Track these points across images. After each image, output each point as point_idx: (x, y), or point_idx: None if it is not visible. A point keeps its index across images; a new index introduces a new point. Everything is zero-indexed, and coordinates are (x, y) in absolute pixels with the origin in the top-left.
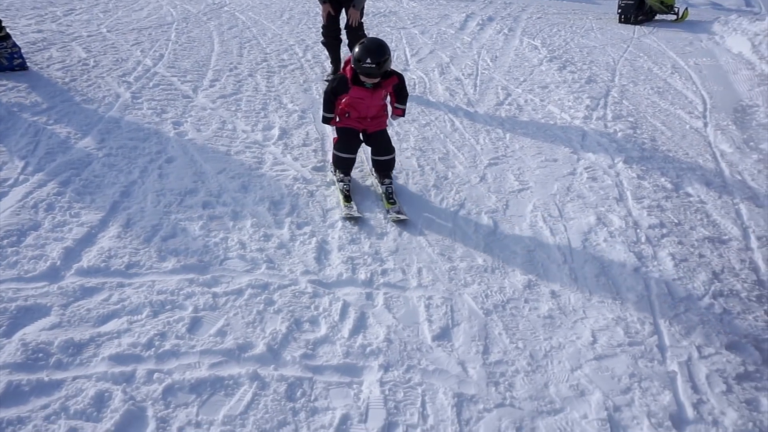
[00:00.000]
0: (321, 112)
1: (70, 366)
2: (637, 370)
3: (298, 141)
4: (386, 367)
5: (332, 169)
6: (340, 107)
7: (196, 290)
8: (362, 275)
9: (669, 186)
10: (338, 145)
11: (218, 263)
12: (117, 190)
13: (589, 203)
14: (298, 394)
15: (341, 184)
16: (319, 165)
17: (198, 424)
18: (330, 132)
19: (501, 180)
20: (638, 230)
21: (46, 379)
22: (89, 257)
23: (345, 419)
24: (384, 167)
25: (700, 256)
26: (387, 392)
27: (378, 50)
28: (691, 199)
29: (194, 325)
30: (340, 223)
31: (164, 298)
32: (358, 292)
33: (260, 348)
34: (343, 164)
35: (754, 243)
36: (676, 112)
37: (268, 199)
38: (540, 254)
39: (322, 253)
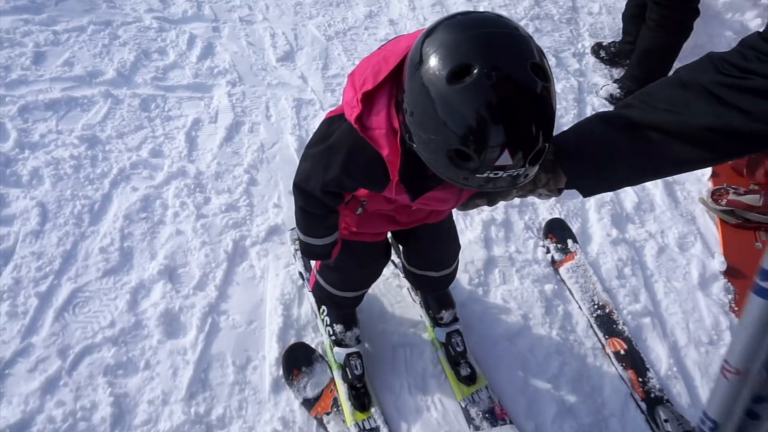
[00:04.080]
0: (297, 233)
1: None
2: None
3: None
4: (233, 84)
5: (316, 309)
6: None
7: (34, 29)
8: (207, 11)
9: None
10: (333, 272)
11: (53, 4)
12: None
13: None
14: (152, 106)
15: (344, 357)
16: None
17: (59, 132)
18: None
19: None
20: None
21: None
22: None
23: (197, 122)
24: (435, 286)
25: None
26: (234, 101)
27: (536, 119)
28: None
29: (38, 58)
30: None
31: None
32: (205, 26)
33: (110, 74)
34: (342, 306)
35: None
36: None
37: None
38: None
39: None
